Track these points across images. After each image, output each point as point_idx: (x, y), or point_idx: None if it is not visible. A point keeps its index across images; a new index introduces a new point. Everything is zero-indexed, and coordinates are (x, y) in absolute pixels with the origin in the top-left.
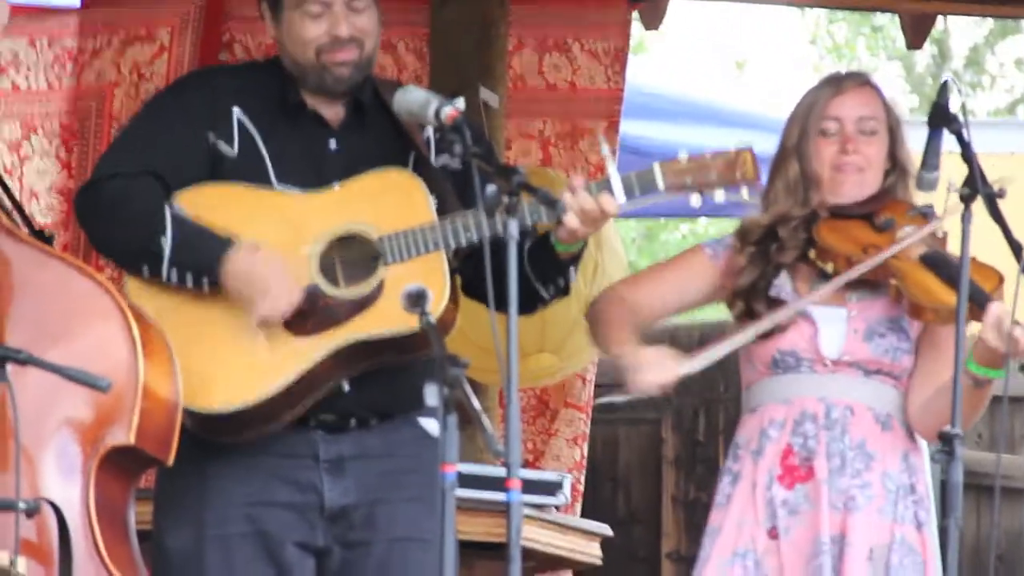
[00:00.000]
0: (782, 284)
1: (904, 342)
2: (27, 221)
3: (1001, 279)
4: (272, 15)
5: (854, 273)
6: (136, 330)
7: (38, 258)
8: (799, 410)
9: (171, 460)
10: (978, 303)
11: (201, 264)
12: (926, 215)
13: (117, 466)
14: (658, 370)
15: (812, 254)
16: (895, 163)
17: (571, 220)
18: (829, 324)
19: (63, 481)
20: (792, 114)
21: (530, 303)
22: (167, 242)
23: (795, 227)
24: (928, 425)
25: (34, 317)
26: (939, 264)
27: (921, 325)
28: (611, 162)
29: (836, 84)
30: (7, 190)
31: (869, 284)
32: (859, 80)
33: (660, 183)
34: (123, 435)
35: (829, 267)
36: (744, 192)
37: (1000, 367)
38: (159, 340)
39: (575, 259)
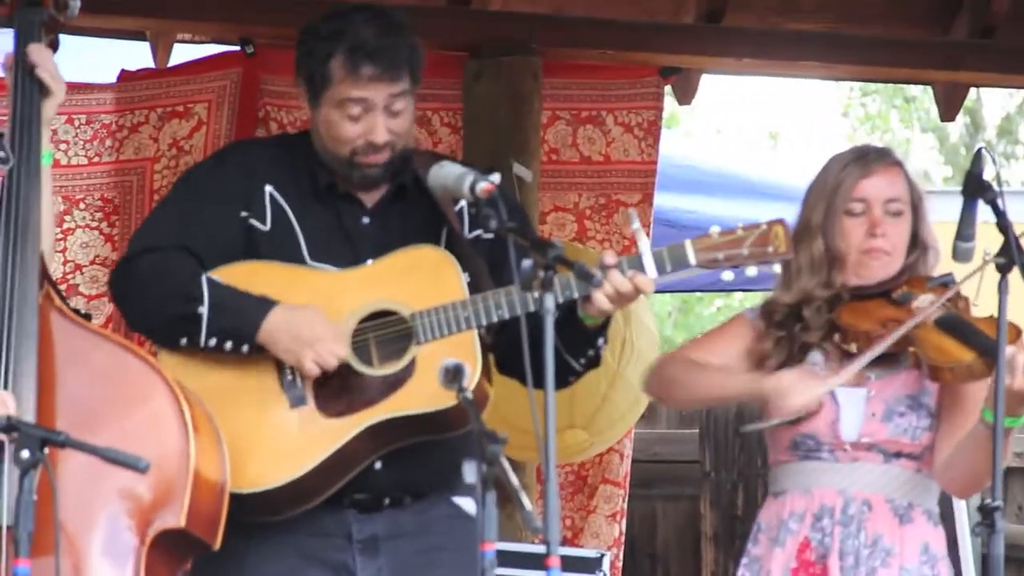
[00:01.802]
0: (816, 361)
1: (924, 419)
2: (63, 300)
3: (1019, 332)
4: (310, 100)
5: (879, 349)
6: (188, 412)
7: (90, 339)
8: (819, 503)
9: (218, 544)
10: (990, 353)
11: (241, 328)
12: (945, 284)
13: (166, 550)
14: (804, 390)
15: (837, 338)
16: (916, 240)
17: (600, 300)
18: (849, 406)
19: (114, 565)
20: (816, 188)
21: (562, 376)
22: (204, 309)
23: (819, 308)
24: (952, 480)
25: (85, 398)
26: (953, 325)
27: (940, 391)
28: (642, 237)
29: (863, 164)
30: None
31: (889, 359)
32: (886, 160)
33: (692, 259)
34: (174, 518)
35: (853, 347)
36: (777, 266)
37: (1018, 415)
38: (207, 421)
39: (603, 329)
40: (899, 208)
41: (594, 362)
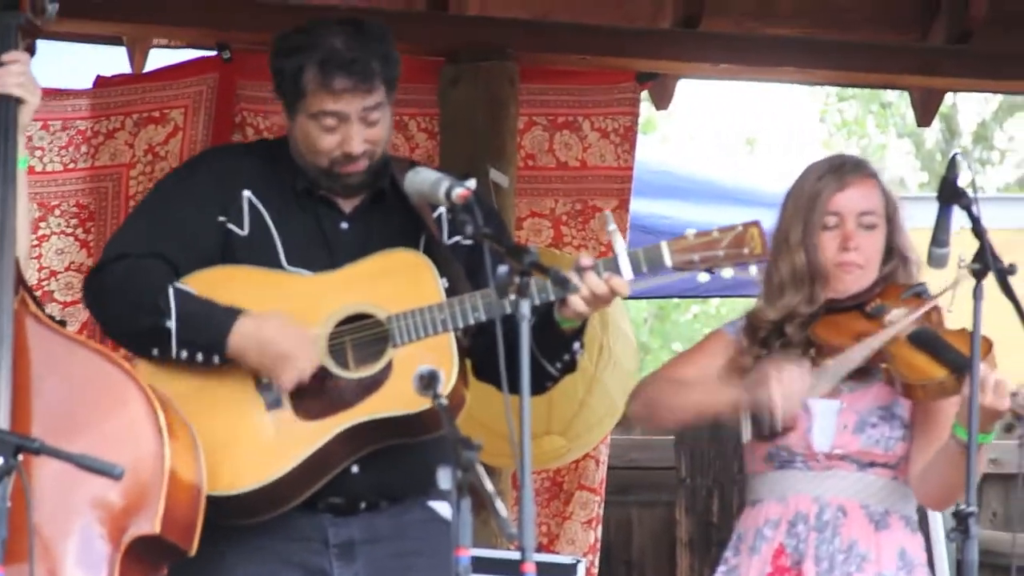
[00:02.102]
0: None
1: (897, 430)
2: (39, 306)
3: (991, 345)
4: (285, 111)
5: (851, 364)
6: (163, 417)
7: (64, 344)
8: (793, 510)
9: (194, 550)
10: (961, 369)
11: (210, 339)
12: (920, 295)
13: (141, 557)
14: (793, 387)
15: (812, 352)
16: (892, 250)
17: (576, 303)
18: (822, 418)
19: (88, 572)
20: (792, 200)
21: (539, 381)
22: (172, 322)
23: (801, 324)
24: (927, 493)
25: (60, 404)
26: (925, 341)
27: (913, 404)
28: (618, 239)
29: (838, 177)
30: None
31: (861, 372)
32: (861, 172)
33: (668, 260)
34: (148, 524)
35: (829, 363)
36: (752, 269)
37: (988, 431)
38: (183, 427)
39: (579, 333)
40: (873, 221)
41: (570, 367)
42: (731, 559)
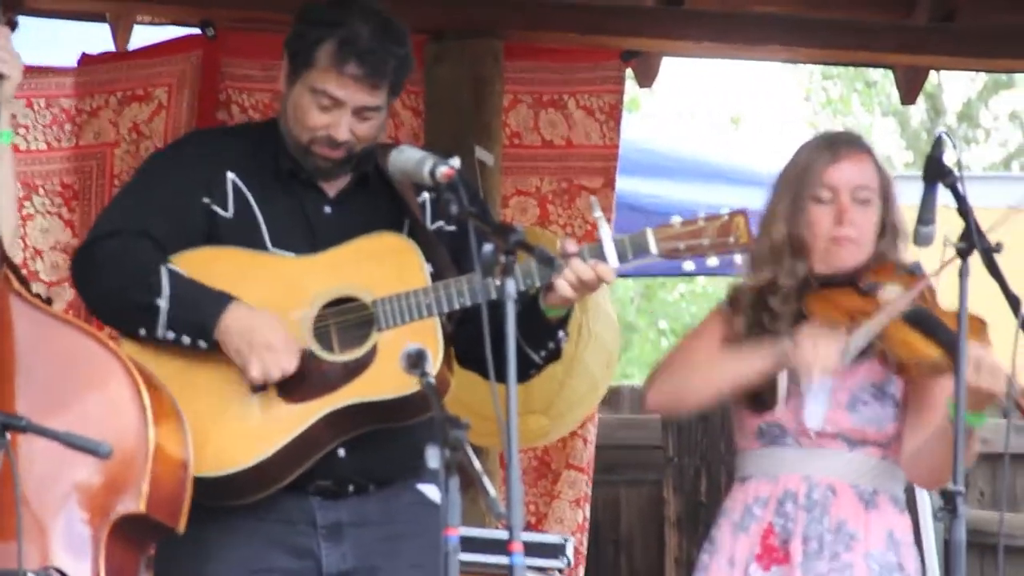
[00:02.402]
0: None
1: (888, 408)
2: (26, 285)
3: (984, 324)
4: (288, 76)
5: (866, 339)
6: (146, 395)
7: (49, 323)
8: (783, 488)
9: (182, 527)
10: (956, 348)
11: (199, 323)
12: (913, 272)
13: (127, 535)
14: (829, 348)
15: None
16: (886, 226)
17: (563, 287)
18: (814, 395)
19: (73, 551)
20: (784, 175)
21: (523, 369)
22: (163, 301)
23: (786, 296)
24: (919, 474)
25: (44, 382)
26: (920, 320)
27: (906, 383)
28: (603, 225)
29: (832, 150)
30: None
31: None
32: (854, 146)
33: (653, 248)
34: (133, 503)
35: (848, 337)
36: (738, 257)
37: (981, 412)
38: (169, 404)
39: (564, 322)
40: (867, 196)
41: (555, 355)
42: (715, 535)
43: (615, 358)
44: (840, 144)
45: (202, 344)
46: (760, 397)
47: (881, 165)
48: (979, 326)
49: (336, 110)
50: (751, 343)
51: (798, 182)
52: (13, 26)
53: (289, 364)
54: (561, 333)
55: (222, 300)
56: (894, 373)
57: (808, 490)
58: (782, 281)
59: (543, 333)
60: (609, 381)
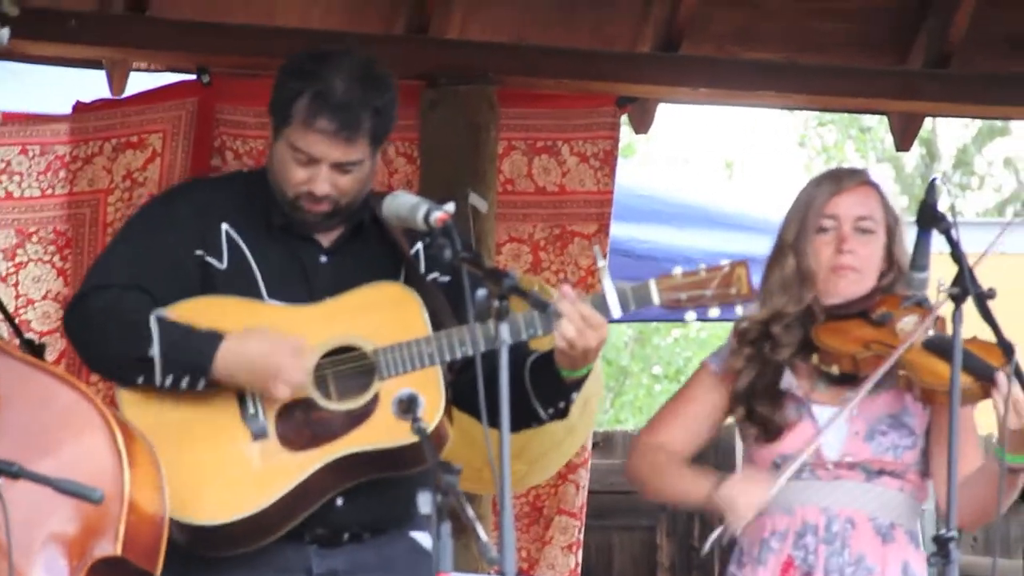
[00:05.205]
0: (789, 380)
1: (906, 438)
2: (18, 331)
3: (1012, 352)
4: (272, 131)
5: (875, 378)
6: (121, 441)
7: (23, 371)
8: (800, 521)
9: (158, 572)
10: (986, 377)
11: (194, 364)
12: (921, 303)
13: None
14: (750, 499)
15: (815, 359)
16: (891, 262)
17: (567, 328)
18: (830, 426)
19: None
20: (791, 208)
21: (525, 420)
22: (155, 350)
23: (788, 325)
24: (960, 515)
25: (21, 429)
26: (944, 348)
27: (928, 418)
28: (606, 276)
29: (836, 181)
30: None
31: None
32: (859, 179)
33: (656, 298)
34: (110, 546)
35: (834, 369)
36: (739, 309)
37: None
38: (145, 451)
39: (579, 384)
40: (870, 226)
41: (562, 414)
42: (736, 572)
43: (593, 402)
44: (844, 176)
45: (202, 383)
46: (768, 427)
47: (889, 200)
48: (1000, 357)
49: (313, 166)
50: (749, 375)
51: (803, 213)
52: None
53: (303, 374)
54: (573, 395)
55: (213, 339)
56: (919, 400)
57: (827, 522)
58: (787, 309)
59: (554, 392)
60: (591, 426)
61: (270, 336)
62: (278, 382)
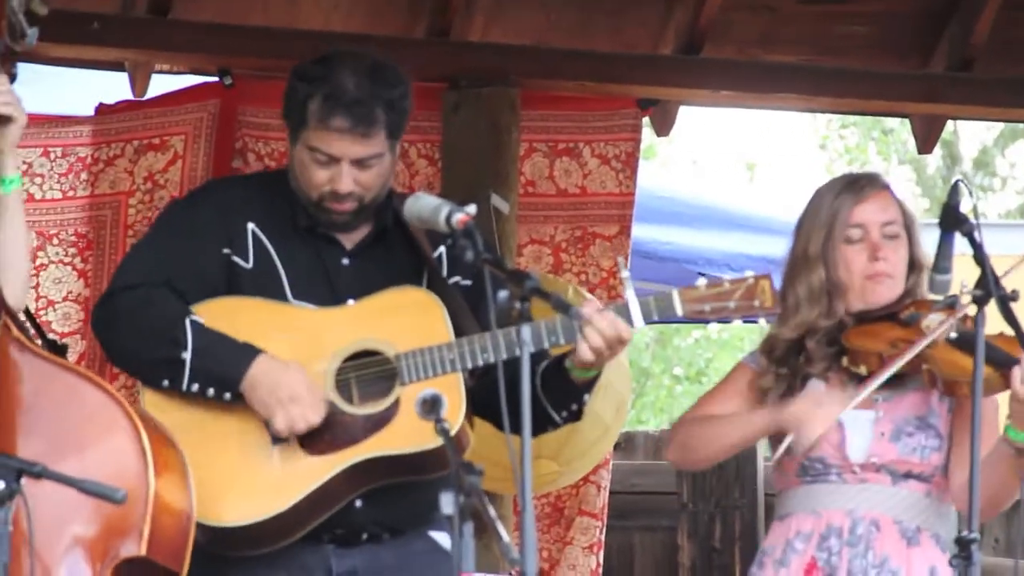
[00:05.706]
0: (818, 389)
1: (932, 439)
2: (40, 331)
3: None
4: (289, 135)
5: (894, 368)
6: (147, 441)
7: (49, 370)
8: (826, 523)
9: (184, 572)
10: (1005, 365)
11: (225, 376)
12: (951, 304)
13: None
14: (825, 411)
15: (845, 361)
16: (913, 262)
17: (593, 338)
18: (856, 428)
19: None
20: (810, 219)
21: (541, 425)
22: (188, 355)
23: (820, 339)
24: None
25: (46, 429)
26: (966, 342)
27: (951, 414)
28: (629, 287)
29: (856, 190)
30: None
31: (896, 380)
32: (876, 185)
33: (679, 309)
34: (135, 546)
35: (862, 369)
36: (762, 320)
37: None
38: (171, 451)
39: (590, 385)
40: (895, 231)
41: (575, 416)
42: (757, 573)
43: (626, 404)
44: (862, 183)
45: (227, 396)
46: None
47: (902, 201)
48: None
49: (334, 165)
50: (779, 390)
51: (829, 225)
52: (12, 77)
53: (315, 416)
54: (586, 396)
55: (249, 353)
56: (943, 393)
57: (852, 525)
58: (820, 323)
59: (567, 394)
60: (621, 427)
61: (300, 376)
62: (282, 420)
